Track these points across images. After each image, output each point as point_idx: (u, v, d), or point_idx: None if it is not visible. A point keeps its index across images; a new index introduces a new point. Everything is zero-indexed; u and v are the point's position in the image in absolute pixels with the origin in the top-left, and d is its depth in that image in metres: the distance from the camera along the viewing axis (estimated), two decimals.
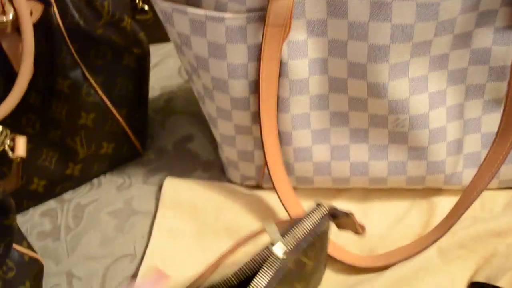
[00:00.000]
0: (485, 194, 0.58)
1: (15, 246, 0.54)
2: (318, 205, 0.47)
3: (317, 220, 0.46)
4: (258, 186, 0.63)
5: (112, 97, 0.62)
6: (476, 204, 0.58)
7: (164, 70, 0.83)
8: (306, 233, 0.45)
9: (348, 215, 0.46)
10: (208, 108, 0.58)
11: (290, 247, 0.44)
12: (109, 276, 0.59)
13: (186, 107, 0.76)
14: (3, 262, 0.50)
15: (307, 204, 0.60)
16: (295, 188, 0.59)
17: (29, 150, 0.56)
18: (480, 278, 0.51)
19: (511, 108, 0.50)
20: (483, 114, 0.55)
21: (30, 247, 0.57)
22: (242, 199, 0.62)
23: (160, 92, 0.79)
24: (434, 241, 0.54)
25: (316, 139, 0.56)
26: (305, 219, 0.45)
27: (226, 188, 0.64)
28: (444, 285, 0.52)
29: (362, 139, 0.55)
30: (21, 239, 0.56)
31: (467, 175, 0.57)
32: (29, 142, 0.55)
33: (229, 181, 0.65)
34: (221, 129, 0.58)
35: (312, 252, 0.46)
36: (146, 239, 0.62)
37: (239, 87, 0.53)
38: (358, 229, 0.48)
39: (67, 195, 0.68)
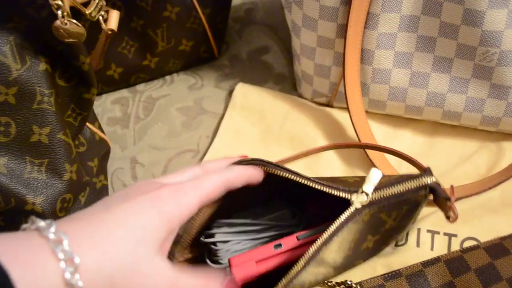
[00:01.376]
0: None
1: (88, 124, 0.56)
2: (426, 171, 0.44)
3: (413, 187, 0.43)
4: (328, 105, 0.63)
5: None
6: None
7: None
8: (395, 194, 0.43)
9: (448, 199, 0.44)
10: (294, 16, 0.57)
11: (372, 200, 0.42)
12: (171, 167, 0.62)
13: (265, 19, 0.76)
14: (77, 134, 0.53)
15: (375, 130, 0.60)
16: (365, 112, 0.59)
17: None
18: None
19: None
20: None
21: (100, 128, 0.59)
22: (310, 112, 0.63)
23: (241, 1, 0.79)
24: (499, 183, 0.54)
25: (398, 62, 0.55)
26: (404, 181, 0.43)
27: (296, 101, 0.64)
28: (500, 227, 0.51)
29: (444, 69, 0.54)
30: (94, 119, 0.59)
31: None
32: None
33: (300, 96, 0.66)
34: (303, 39, 0.58)
35: (396, 214, 0.45)
36: (210, 139, 0.63)
37: None
38: (450, 216, 0.46)
39: (140, 87, 0.70)
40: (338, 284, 0.48)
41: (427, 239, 0.52)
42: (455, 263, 0.46)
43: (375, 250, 0.49)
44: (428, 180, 0.43)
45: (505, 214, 0.53)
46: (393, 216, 0.45)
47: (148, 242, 0.32)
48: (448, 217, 0.45)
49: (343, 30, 0.54)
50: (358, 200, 0.42)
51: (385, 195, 0.42)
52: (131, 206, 0.33)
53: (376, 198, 0.42)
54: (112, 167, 0.63)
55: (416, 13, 0.52)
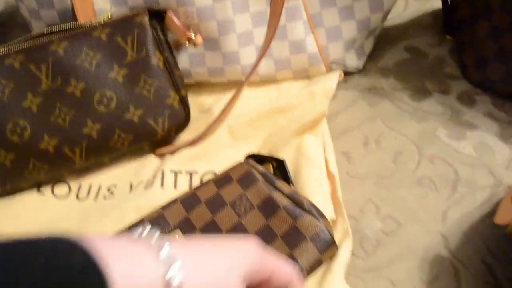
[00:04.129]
0: (284, 85, 0.66)
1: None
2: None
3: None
4: None
5: None
6: (274, 92, 0.65)
7: None
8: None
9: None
10: None
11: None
12: None
13: None
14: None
15: None
16: None
17: None
18: (264, 151, 0.59)
19: None
20: None
21: None
22: None
23: None
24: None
25: None
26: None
27: None
28: (233, 158, 0.58)
29: None
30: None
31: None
32: None
33: None
34: None
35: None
36: None
37: None
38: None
39: None
40: None
41: (171, 179, 0.57)
42: (188, 200, 0.51)
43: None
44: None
45: (234, 146, 0.60)
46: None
47: (240, 270, 0.33)
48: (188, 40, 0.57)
49: None
50: None
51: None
52: (237, 241, 0.34)
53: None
54: None
55: None
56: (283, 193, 0.49)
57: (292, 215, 0.47)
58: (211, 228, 0.48)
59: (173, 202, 0.51)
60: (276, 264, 0.36)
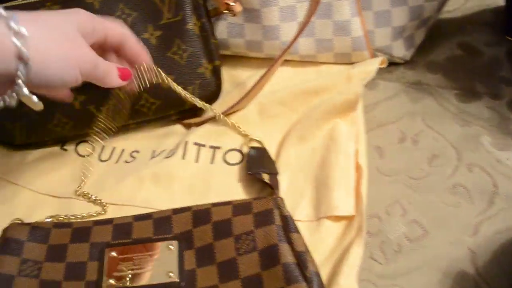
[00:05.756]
0: (323, 68, 0.62)
1: None
2: None
3: None
4: None
5: None
6: (313, 75, 0.62)
7: None
8: None
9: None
10: None
11: None
12: None
13: None
14: None
15: None
16: None
17: None
18: (293, 133, 0.56)
19: None
20: None
21: None
22: None
23: None
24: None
25: None
26: None
27: None
28: (260, 139, 0.55)
29: None
30: None
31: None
32: None
33: None
34: None
35: None
36: None
37: None
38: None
39: None
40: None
41: (193, 152, 0.55)
42: (201, 214, 0.47)
43: None
44: None
45: (262, 125, 0.57)
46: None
47: (74, 22, 0.44)
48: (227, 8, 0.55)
49: None
50: None
51: None
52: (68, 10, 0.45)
53: None
54: None
55: None
56: (293, 248, 0.43)
57: (287, 277, 0.41)
58: (206, 252, 0.45)
59: (186, 209, 0.48)
60: (108, 26, 0.48)
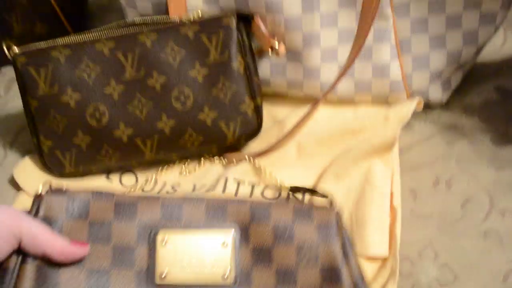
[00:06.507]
0: (361, 108, 0.64)
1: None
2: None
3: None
4: None
5: None
6: (350, 115, 0.64)
7: None
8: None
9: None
10: None
11: None
12: None
13: None
14: None
15: None
16: None
17: None
18: (330, 172, 0.58)
19: None
20: None
21: None
22: None
23: None
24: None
25: None
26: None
27: None
28: (297, 177, 0.58)
29: None
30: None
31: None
32: None
33: None
34: None
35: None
36: None
37: None
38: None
39: None
40: None
41: (233, 187, 0.57)
42: (260, 209, 0.44)
43: None
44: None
45: (300, 164, 0.59)
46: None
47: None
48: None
49: None
50: None
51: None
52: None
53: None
54: None
55: None
56: (350, 272, 0.42)
57: None
58: (263, 254, 0.43)
59: (242, 202, 0.45)
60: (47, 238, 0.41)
